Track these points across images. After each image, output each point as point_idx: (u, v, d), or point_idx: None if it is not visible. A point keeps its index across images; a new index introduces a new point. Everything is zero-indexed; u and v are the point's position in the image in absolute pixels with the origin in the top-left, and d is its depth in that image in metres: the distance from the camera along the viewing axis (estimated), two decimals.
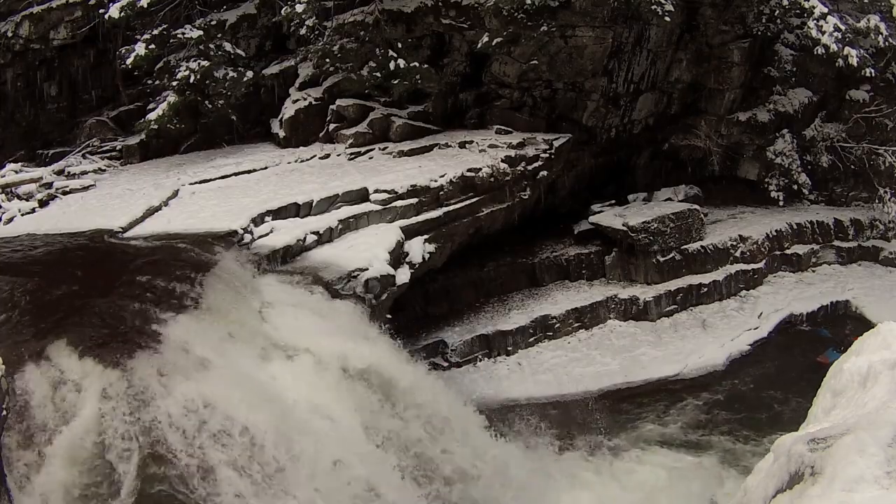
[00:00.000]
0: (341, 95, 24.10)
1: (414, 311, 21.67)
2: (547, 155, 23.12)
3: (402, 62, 22.71)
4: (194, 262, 15.55)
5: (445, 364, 21.22)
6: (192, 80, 22.54)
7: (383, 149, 23.02)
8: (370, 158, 22.64)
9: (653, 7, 22.64)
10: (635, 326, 23.36)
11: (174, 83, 22.66)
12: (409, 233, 19.52)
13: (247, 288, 15.59)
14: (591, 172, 26.66)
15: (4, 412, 10.43)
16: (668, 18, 22.98)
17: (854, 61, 24.38)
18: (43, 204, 19.84)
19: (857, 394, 9.36)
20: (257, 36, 25.39)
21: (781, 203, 27.42)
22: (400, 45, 23.33)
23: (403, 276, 18.54)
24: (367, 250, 17.98)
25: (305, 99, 24.39)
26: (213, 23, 24.07)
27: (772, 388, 20.95)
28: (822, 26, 24.36)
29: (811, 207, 27.91)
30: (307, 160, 22.68)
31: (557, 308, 23.18)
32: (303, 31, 23.67)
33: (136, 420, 11.46)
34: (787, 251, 26.25)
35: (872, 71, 25.61)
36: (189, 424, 11.66)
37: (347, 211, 19.26)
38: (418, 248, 19.48)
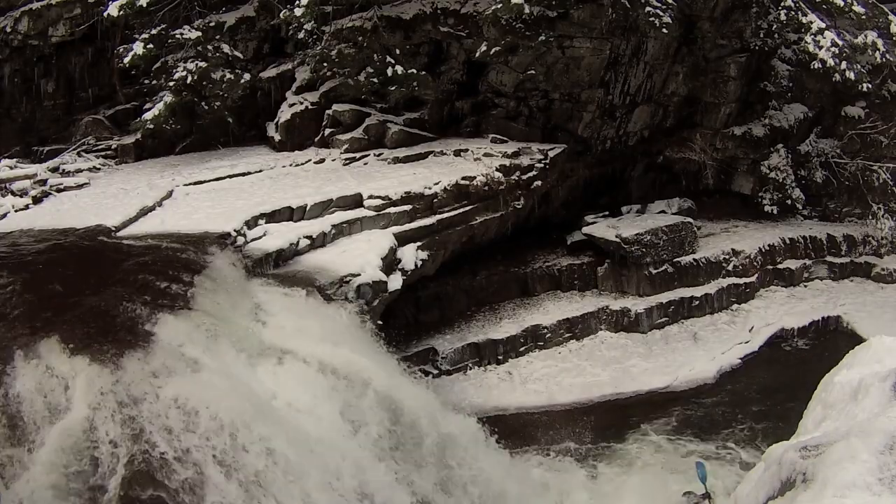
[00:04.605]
0: (338, 100, 24.14)
1: (405, 318, 21.66)
2: (541, 165, 23.14)
3: (399, 69, 22.74)
4: (187, 262, 15.52)
5: (435, 372, 21.22)
6: (189, 81, 22.52)
7: (378, 155, 23.04)
8: (365, 164, 22.65)
9: (651, 20, 22.66)
10: (626, 338, 23.39)
11: (171, 83, 22.62)
12: (402, 239, 19.52)
13: (239, 290, 15.55)
14: (586, 183, 26.70)
15: None
16: (665, 31, 23.00)
17: (851, 76, 24.45)
18: (37, 201, 19.78)
19: (848, 406, 9.39)
20: (255, 38, 25.39)
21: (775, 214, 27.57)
22: (398, 52, 23.36)
23: (395, 282, 18.53)
24: (360, 256, 17.95)
25: (302, 103, 24.40)
26: (212, 24, 24.06)
27: (762, 401, 20.93)
28: (819, 41, 24.43)
29: (804, 222, 28.02)
30: (302, 164, 22.70)
31: (549, 318, 23.21)
32: (301, 35, 23.73)
33: (126, 419, 11.42)
34: (780, 266, 26.32)
35: (868, 86, 25.69)
36: (178, 425, 11.63)
37: (341, 216, 19.23)
38: (411, 255, 19.47)
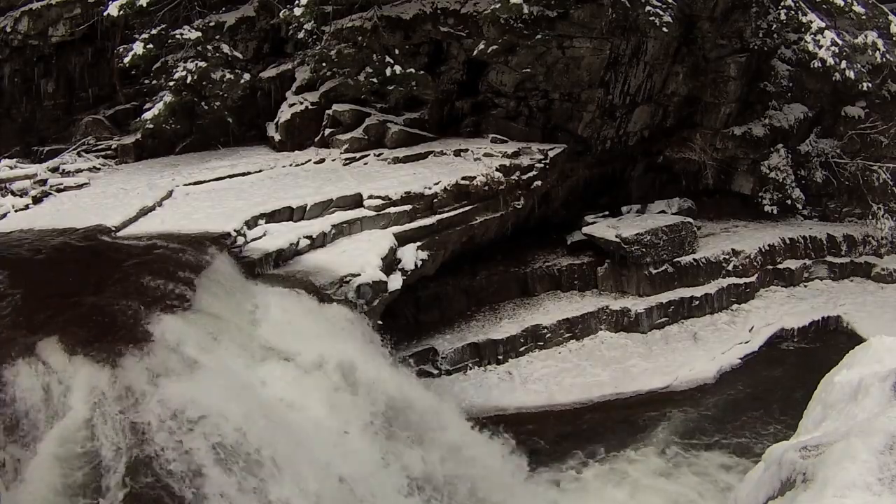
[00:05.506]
0: (338, 100, 24.12)
1: (405, 318, 21.63)
2: (541, 165, 23.12)
3: (399, 68, 22.74)
4: (187, 262, 15.49)
5: (435, 372, 21.20)
6: (188, 81, 22.52)
7: (378, 155, 23.02)
8: (365, 164, 22.63)
9: (651, 19, 22.67)
10: (626, 338, 23.34)
11: (171, 83, 22.63)
12: (402, 239, 19.48)
13: (238, 290, 15.56)
14: (586, 183, 26.68)
15: None
16: (665, 31, 23.01)
17: (851, 75, 24.45)
18: (37, 201, 19.76)
19: (848, 406, 9.39)
20: (255, 38, 25.39)
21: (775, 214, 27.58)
22: (397, 52, 23.36)
23: (395, 282, 18.48)
24: (360, 256, 17.92)
25: (302, 103, 24.39)
26: (212, 24, 24.07)
27: (762, 401, 20.93)
28: (819, 41, 24.44)
29: (804, 222, 28.00)
30: (302, 164, 22.68)
31: (549, 318, 23.15)
32: (301, 35, 23.72)
33: (126, 420, 11.42)
34: (780, 266, 26.28)
35: (868, 86, 25.68)
36: (178, 425, 11.63)
37: (341, 216, 19.19)
38: (411, 255, 19.43)
